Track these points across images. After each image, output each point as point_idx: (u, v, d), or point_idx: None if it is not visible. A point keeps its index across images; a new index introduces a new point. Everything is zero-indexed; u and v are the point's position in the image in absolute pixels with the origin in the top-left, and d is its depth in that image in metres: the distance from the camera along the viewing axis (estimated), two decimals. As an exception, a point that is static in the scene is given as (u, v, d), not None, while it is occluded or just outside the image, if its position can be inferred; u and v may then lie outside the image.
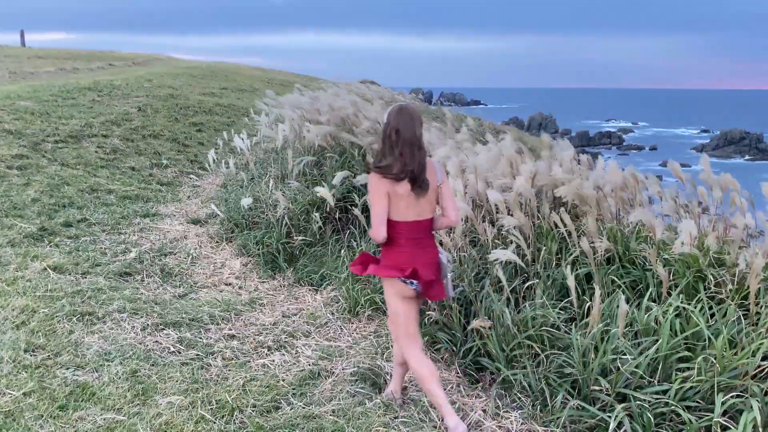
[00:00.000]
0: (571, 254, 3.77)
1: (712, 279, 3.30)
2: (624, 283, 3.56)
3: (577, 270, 3.63)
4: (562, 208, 3.82)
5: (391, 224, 2.92)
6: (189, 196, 7.81)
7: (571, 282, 3.31)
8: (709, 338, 2.92)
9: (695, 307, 3.09)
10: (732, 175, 3.89)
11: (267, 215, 5.83)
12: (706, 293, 3.25)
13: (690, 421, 2.67)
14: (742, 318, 3.04)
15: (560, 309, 3.47)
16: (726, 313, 3.08)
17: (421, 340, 3.15)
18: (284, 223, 5.56)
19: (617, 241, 3.75)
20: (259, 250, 5.47)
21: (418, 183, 2.87)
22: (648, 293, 3.35)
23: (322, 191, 4.95)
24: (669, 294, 3.30)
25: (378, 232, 2.90)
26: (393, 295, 2.99)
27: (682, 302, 3.15)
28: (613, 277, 3.58)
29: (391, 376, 3.46)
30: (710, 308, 3.17)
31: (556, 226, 3.87)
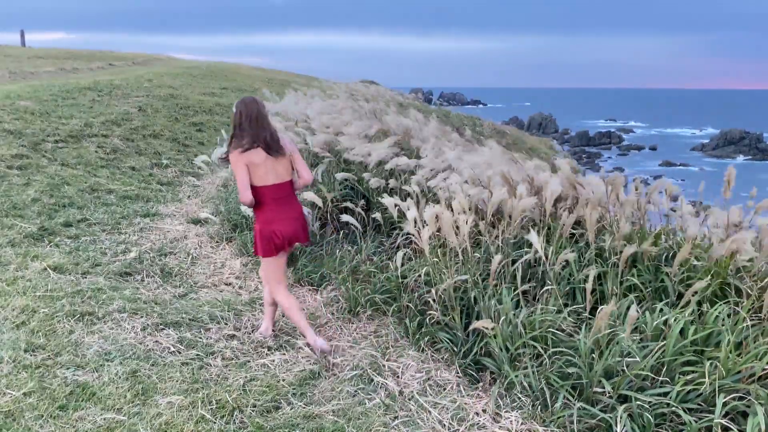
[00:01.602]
0: (586, 257, 3.76)
1: (740, 290, 3.27)
2: (636, 285, 3.54)
3: (592, 268, 3.62)
4: (588, 215, 3.78)
5: (257, 190, 3.66)
6: (189, 196, 7.81)
7: (588, 287, 3.29)
8: (719, 343, 2.92)
9: (713, 314, 3.08)
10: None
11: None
12: (725, 300, 3.24)
13: (690, 422, 2.67)
14: (749, 323, 3.02)
15: (569, 309, 3.46)
16: (737, 321, 3.06)
17: (286, 282, 3.98)
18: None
19: (636, 244, 3.74)
20: (259, 250, 5.46)
21: (274, 148, 3.63)
22: (662, 297, 3.34)
23: (311, 196, 4.98)
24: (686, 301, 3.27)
25: (243, 196, 3.62)
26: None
27: (700, 312, 3.14)
28: (624, 279, 3.56)
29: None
30: (724, 318, 3.14)
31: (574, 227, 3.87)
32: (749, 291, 3.27)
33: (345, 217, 4.91)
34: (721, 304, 3.17)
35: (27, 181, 6.86)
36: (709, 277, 3.33)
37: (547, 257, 3.68)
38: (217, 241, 6.02)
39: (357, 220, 5.12)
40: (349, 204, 5.65)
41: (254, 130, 3.58)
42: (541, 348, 3.23)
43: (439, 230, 4.08)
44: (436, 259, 4.03)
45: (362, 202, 5.71)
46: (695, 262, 3.54)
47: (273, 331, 4.07)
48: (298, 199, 3.91)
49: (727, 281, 3.36)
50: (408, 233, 4.24)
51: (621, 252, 3.54)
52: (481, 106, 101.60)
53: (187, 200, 7.62)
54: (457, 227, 3.88)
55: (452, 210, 3.97)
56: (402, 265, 4.29)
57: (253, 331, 4.13)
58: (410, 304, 4.01)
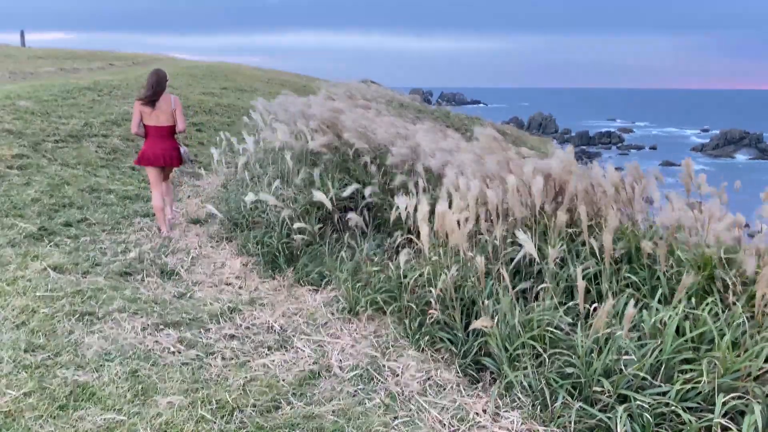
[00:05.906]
0: (581, 254, 3.75)
1: (724, 281, 3.27)
2: (632, 283, 3.54)
3: (587, 270, 3.61)
4: (580, 208, 3.77)
5: (146, 127, 6.04)
6: (189, 196, 7.81)
7: (581, 285, 3.28)
8: (714, 340, 2.91)
9: (703, 309, 3.08)
10: (732, 175, 3.87)
11: (267, 215, 5.82)
12: (714, 296, 3.23)
13: (690, 421, 2.66)
14: (746, 321, 3.01)
15: (566, 308, 3.45)
16: (732, 316, 3.05)
17: (161, 188, 6.11)
18: (284, 223, 5.56)
19: (629, 240, 3.73)
20: (259, 250, 5.46)
21: (157, 105, 5.95)
22: (657, 295, 3.32)
23: (320, 196, 5.04)
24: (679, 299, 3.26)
25: (132, 128, 6.17)
26: (147, 168, 6.19)
27: (691, 306, 3.14)
28: (620, 277, 3.55)
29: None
30: (716, 314, 3.13)
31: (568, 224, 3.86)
32: (734, 282, 3.26)
33: (351, 215, 5.00)
34: (710, 300, 3.16)
35: (27, 181, 6.86)
36: (699, 269, 3.33)
37: (539, 259, 3.67)
38: (217, 241, 6.02)
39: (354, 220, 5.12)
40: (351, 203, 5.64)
41: (148, 91, 5.94)
42: (540, 348, 3.23)
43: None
44: (435, 257, 4.02)
45: (363, 202, 5.70)
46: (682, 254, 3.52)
47: (169, 229, 6.12)
48: (173, 139, 6.17)
49: (713, 274, 3.35)
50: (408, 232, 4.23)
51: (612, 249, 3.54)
52: (481, 105, 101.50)
53: (187, 200, 7.63)
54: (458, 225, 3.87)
55: (451, 207, 3.96)
56: (403, 265, 4.29)
57: (251, 328, 4.14)
58: (411, 304, 4.00)
